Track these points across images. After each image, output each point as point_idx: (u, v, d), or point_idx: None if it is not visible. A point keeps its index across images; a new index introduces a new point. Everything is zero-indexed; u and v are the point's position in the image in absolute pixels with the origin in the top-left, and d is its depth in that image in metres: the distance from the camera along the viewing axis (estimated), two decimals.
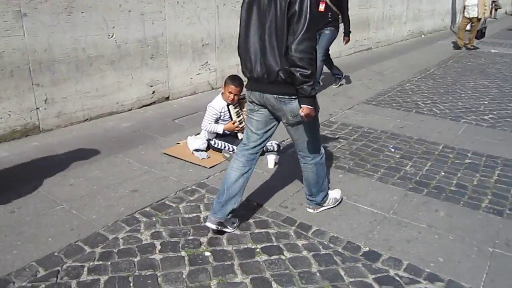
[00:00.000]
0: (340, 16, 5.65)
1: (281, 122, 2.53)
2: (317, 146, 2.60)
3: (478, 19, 10.15)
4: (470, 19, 10.23)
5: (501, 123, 4.91)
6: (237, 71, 6.50)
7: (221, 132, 3.70)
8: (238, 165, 2.57)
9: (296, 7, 2.09)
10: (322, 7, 5.37)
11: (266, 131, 2.54)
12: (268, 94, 2.36)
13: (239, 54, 2.45)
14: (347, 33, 5.78)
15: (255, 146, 2.57)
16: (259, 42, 2.26)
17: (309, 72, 2.14)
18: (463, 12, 10.28)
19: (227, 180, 2.55)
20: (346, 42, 5.84)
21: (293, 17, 2.11)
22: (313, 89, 2.19)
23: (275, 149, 3.86)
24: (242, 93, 3.81)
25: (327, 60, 6.05)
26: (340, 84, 6.36)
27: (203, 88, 5.97)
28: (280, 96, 2.33)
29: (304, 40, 2.10)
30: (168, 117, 4.76)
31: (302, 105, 2.25)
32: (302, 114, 2.27)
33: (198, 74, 5.84)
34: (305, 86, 2.18)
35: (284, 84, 2.27)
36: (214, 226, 2.53)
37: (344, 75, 6.40)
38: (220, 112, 3.73)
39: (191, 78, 5.76)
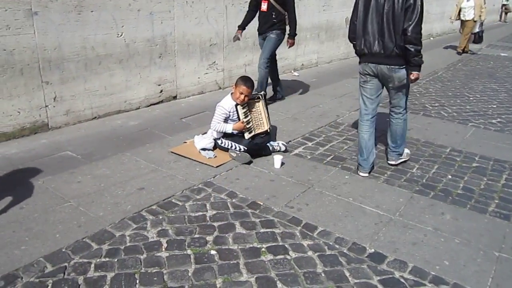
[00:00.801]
0: (286, 17, 5.05)
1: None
2: (407, 105, 3.53)
3: (474, 21, 9.66)
4: (465, 22, 9.70)
5: (510, 127, 4.88)
6: (244, 71, 6.55)
7: (230, 131, 3.72)
8: (366, 128, 3.53)
9: (411, 1, 3.01)
10: (264, 7, 4.99)
11: (377, 96, 3.45)
12: (382, 65, 3.25)
13: (352, 38, 3.37)
14: (291, 35, 5.08)
15: (373, 109, 3.50)
16: (377, 26, 3.17)
17: (419, 48, 3.06)
18: (459, 14, 9.73)
19: (362, 141, 3.53)
20: (290, 45, 5.12)
21: (408, 8, 3.01)
22: (420, 59, 3.12)
23: (282, 149, 3.88)
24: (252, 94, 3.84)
25: (273, 68, 5.30)
26: (276, 100, 5.46)
27: (211, 87, 5.99)
28: (392, 66, 3.22)
29: (417, 24, 3.01)
30: (176, 116, 4.78)
31: (413, 72, 3.16)
32: (412, 78, 3.19)
33: (206, 73, 5.86)
34: (416, 58, 3.09)
35: (396, 57, 3.17)
36: (366, 174, 3.54)
37: (283, 95, 5.57)
38: (229, 112, 3.74)
39: (199, 78, 5.79)
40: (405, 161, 3.78)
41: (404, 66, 3.20)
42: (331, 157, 3.86)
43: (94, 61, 4.47)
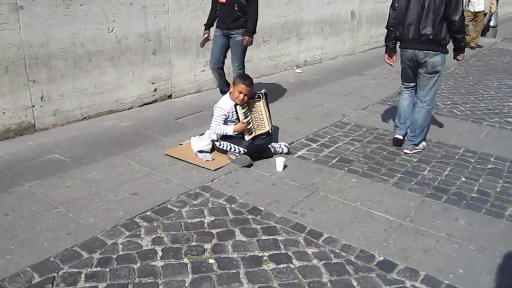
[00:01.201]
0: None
1: None
2: (435, 97, 3.96)
3: (484, 14, 9.57)
4: (475, 14, 9.58)
5: None
6: (245, 68, 6.54)
7: (231, 133, 3.72)
8: (406, 95, 4.14)
9: None
10: None
11: (415, 74, 3.99)
12: (418, 50, 3.78)
13: (391, 23, 3.92)
14: (249, 31, 4.59)
15: (414, 82, 4.05)
16: (417, 15, 3.71)
17: (463, 35, 3.74)
18: (467, 5, 9.58)
19: (402, 106, 4.17)
20: (247, 43, 4.64)
21: (452, 1, 3.57)
22: (465, 43, 3.85)
23: (285, 151, 3.88)
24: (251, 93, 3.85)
25: (222, 74, 4.86)
26: None
27: (208, 86, 5.99)
28: (427, 51, 3.75)
29: (461, 15, 3.61)
30: (171, 116, 4.79)
31: (460, 54, 3.83)
32: (460, 58, 3.85)
33: (203, 71, 5.87)
34: (462, 44, 3.76)
35: (432, 43, 3.71)
36: (401, 137, 4.19)
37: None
38: (228, 113, 3.75)
39: (195, 75, 5.79)
40: (419, 152, 4.09)
41: (438, 53, 3.72)
42: (337, 159, 3.87)
43: (83, 58, 4.48)
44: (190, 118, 4.79)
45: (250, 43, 4.69)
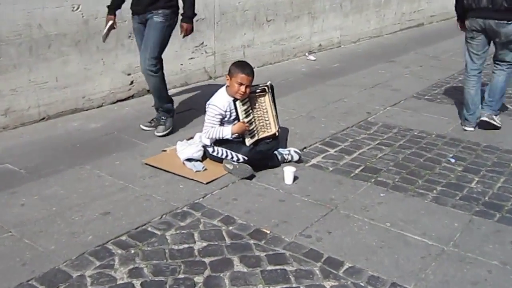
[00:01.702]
0: None
1: None
2: None
3: None
4: None
5: None
6: (243, 54, 6.60)
7: (229, 137, 3.74)
8: (473, 83, 4.64)
9: None
10: None
11: (484, 52, 4.55)
12: (490, 20, 4.27)
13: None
14: (187, 16, 4.21)
15: (480, 64, 4.61)
16: None
17: None
18: None
19: (469, 96, 4.67)
20: (185, 33, 4.28)
21: None
22: None
23: (295, 159, 3.88)
24: (254, 85, 3.85)
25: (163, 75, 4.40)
26: (162, 126, 4.39)
27: (198, 77, 6.01)
28: (500, 21, 4.23)
29: None
30: (152, 116, 4.79)
31: None
32: None
33: (191, 58, 5.89)
34: None
35: (504, 12, 4.18)
36: (472, 129, 4.66)
37: (173, 112, 4.52)
38: (225, 111, 3.76)
39: (182, 64, 5.82)
40: (495, 127, 4.63)
41: (511, 22, 4.18)
42: (361, 168, 3.87)
43: (42, 43, 4.50)
44: (176, 118, 4.80)
45: (188, 31, 4.27)
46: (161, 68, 4.32)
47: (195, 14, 4.28)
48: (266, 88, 3.93)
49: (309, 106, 5.25)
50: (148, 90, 5.44)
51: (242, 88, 3.68)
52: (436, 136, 4.55)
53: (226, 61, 6.20)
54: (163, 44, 4.23)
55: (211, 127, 3.74)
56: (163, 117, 4.42)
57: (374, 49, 8.19)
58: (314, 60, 7.36)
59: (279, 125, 4.04)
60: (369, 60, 7.36)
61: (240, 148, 3.73)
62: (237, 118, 3.76)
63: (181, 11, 4.27)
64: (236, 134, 3.75)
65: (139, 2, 4.19)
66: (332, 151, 4.18)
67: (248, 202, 3.31)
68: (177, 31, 4.32)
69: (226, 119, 3.78)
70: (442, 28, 10.09)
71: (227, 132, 3.72)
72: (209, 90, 4.41)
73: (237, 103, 3.72)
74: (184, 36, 4.35)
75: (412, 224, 3.12)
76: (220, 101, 3.75)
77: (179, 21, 4.31)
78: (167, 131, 4.35)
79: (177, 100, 5.31)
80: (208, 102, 3.81)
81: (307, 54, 7.56)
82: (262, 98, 3.94)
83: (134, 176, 3.60)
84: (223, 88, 3.84)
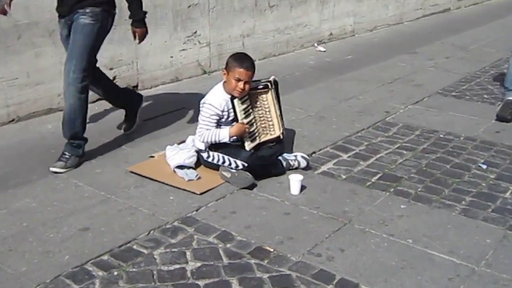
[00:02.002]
0: None
1: None
2: None
3: None
4: None
5: None
6: (242, 45, 6.60)
7: (226, 140, 3.73)
8: None
9: None
10: None
11: None
12: None
13: None
14: (138, 20, 4.01)
15: None
16: None
17: None
18: None
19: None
20: (140, 38, 4.10)
21: None
22: None
23: (302, 165, 3.88)
24: (255, 80, 3.85)
25: (99, 80, 4.21)
26: (62, 162, 3.83)
27: (191, 71, 6.02)
28: None
29: None
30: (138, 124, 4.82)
31: None
32: None
33: (183, 50, 5.91)
34: None
35: None
36: None
37: (83, 152, 3.97)
38: (222, 111, 3.76)
39: (172, 57, 5.83)
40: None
41: None
42: (378, 176, 3.87)
43: (10, 34, 4.51)
44: (165, 118, 4.81)
45: (143, 35, 4.08)
46: (88, 86, 3.87)
47: (146, 14, 4.03)
48: (268, 84, 3.92)
49: (318, 104, 5.25)
50: (134, 86, 5.47)
51: (241, 85, 3.68)
52: (465, 139, 4.54)
53: (222, 53, 6.21)
54: (92, 52, 3.84)
55: (206, 129, 3.73)
56: (67, 153, 3.84)
57: (393, 39, 8.20)
58: (324, 51, 7.37)
59: (284, 127, 4.03)
60: (387, 51, 7.36)
61: (239, 153, 3.73)
62: (235, 119, 3.76)
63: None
64: (235, 137, 3.76)
65: (64, 2, 3.82)
66: (345, 156, 4.18)
67: (249, 216, 3.31)
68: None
69: (223, 119, 3.78)
70: (471, 14, 10.09)
71: (224, 134, 3.72)
72: (203, 87, 4.44)
73: (235, 101, 3.72)
74: (139, 42, 4.15)
75: (438, 241, 3.11)
76: (216, 99, 3.75)
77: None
78: (63, 170, 3.78)
79: (166, 99, 5.32)
80: (202, 101, 3.81)
81: (316, 44, 7.57)
82: (264, 96, 3.93)
83: (117, 186, 3.60)
84: (220, 84, 3.83)
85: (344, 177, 3.84)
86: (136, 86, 5.50)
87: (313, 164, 3.99)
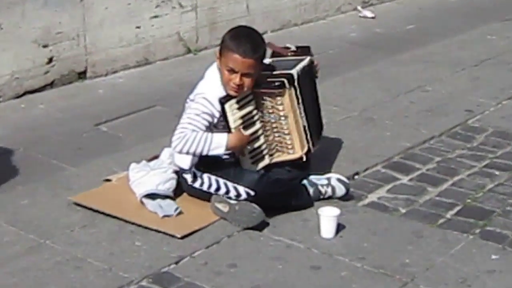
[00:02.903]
0: None
1: None
2: None
3: None
4: None
5: None
6: (246, 9, 6.59)
7: (221, 152, 3.74)
8: None
9: None
10: None
11: None
12: None
13: None
14: None
15: None
16: None
17: None
18: None
19: None
20: None
21: None
22: None
23: (339, 193, 3.87)
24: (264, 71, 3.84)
25: None
26: None
27: (167, 50, 6.08)
28: None
29: None
30: (85, 119, 4.85)
31: None
32: None
33: (155, 17, 5.95)
34: None
35: None
36: None
37: None
38: (219, 110, 3.73)
39: (139, 28, 5.87)
40: None
41: None
42: (457, 210, 3.88)
43: None
44: (128, 122, 4.85)
45: None
46: None
47: None
48: (285, 81, 3.89)
49: (364, 99, 5.29)
50: (81, 73, 5.49)
51: (235, 78, 3.66)
52: None
53: (216, 22, 6.25)
54: None
55: (191, 129, 3.71)
56: None
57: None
58: (373, 18, 7.39)
59: (313, 142, 4.02)
60: (469, 18, 7.37)
61: (242, 175, 3.73)
62: (228, 132, 3.74)
63: None
64: (234, 150, 3.77)
65: None
66: (405, 179, 4.19)
67: (257, 271, 3.31)
68: None
69: (215, 122, 3.78)
70: None
71: (219, 142, 3.69)
72: (187, 73, 4.45)
73: (227, 107, 3.70)
74: None
75: None
76: (214, 93, 3.73)
77: None
78: None
79: (130, 91, 5.35)
80: (194, 92, 3.81)
81: (359, 8, 7.60)
82: (279, 99, 3.91)
83: (55, 226, 3.60)
84: (215, 67, 3.85)
85: (403, 211, 3.84)
86: (84, 73, 5.54)
87: (356, 191, 4.00)
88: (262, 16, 6.34)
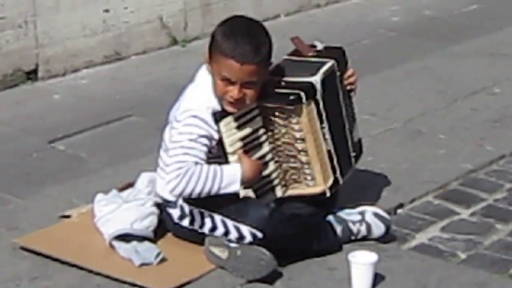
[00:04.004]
0: None
1: None
2: None
3: None
4: None
5: None
6: None
7: (237, 189, 3.69)
8: None
9: None
10: None
11: None
12: None
13: None
14: None
15: None
16: None
17: None
18: None
19: None
20: None
21: None
22: None
23: (376, 233, 3.87)
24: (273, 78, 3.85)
25: None
26: None
27: (146, 40, 6.12)
28: None
29: None
30: (36, 133, 4.87)
31: None
32: None
33: None
34: None
35: None
36: None
37: None
38: (217, 130, 3.70)
39: (107, 11, 5.91)
40: None
41: None
42: None
43: None
44: (93, 137, 4.87)
45: None
46: None
47: None
48: (301, 94, 3.87)
49: (409, 104, 5.31)
50: (31, 72, 5.51)
51: (233, 90, 3.66)
52: None
53: (211, 3, 6.26)
54: None
55: (193, 162, 3.69)
56: None
57: None
58: None
59: (342, 171, 4.02)
60: None
61: (246, 210, 3.73)
62: (225, 158, 3.73)
63: None
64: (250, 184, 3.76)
65: None
66: (465, 213, 4.20)
67: None
68: None
69: (212, 146, 3.76)
70: None
71: (232, 174, 3.73)
72: (173, 72, 4.45)
73: (222, 124, 3.71)
74: None
75: None
76: (206, 110, 3.73)
77: None
78: None
79: (95, 97, 5.37)
80: (183, 108, 3.78)
81: None
82: (294, 117, 3.91)
83: None
84: (205, 81, 3.84)
85: (463, 256, 3.84)
86: (34, 72, 5.56)
87: (399, 230, 4.01)
88: (267, 6, 6.38)
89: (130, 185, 4.01)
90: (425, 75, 5.73)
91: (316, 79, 3.86)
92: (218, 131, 3.67)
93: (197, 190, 3.62)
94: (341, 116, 4.04)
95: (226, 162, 3.71)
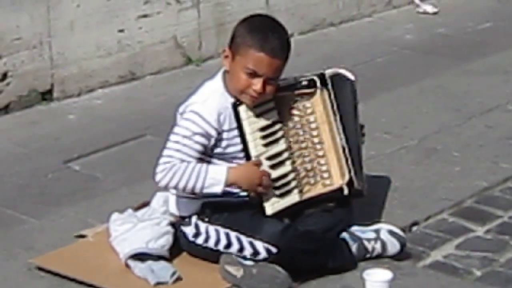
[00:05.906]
0: None
1: None
2: None
3: None
4: None
5: None
6: (265, 3, 6.70)
7: (219, 191, 3.69)
8: None
9: None
10: None
11: None
12: None
13: None
14: None
15: None
16: None
17: None
18: None
19: None
20: None
21: None
22: None
23: (391, 251, 3.86)
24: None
25: None
26: None
27: (160, 60, 6.15)
28: None
29: None
30: (51, 154, 4.89)
31: None
32: None
33: (144, 16, 6.01)
34: None
35: None
36: None
37: None
38: (217, 128, 3.75)
39: (122, 31, 5.94)
40: None
41: None
42: None
43: None
44: (108, 157, 4.90)
45: None
46: None
47: None
48: (316, 79, 3.91)
49: (424, 123, 5.31)
50: (46, 93, 5.52)
51: (257, 84, 3.68)
52: None
53: (225, 23, 6.30)
54: None
55: (180, 160, 3.74)
56: None
57: None
58: (435, 13, 7.42)
59: (356, 172, 4.03)
60: None
61: (260, 225, 3.74)
62: (244, 149, 3.78)
63: None
64: (232, 189, 3.78)
65: None
66: (480, 230, 4.20)
67: None
68: None
69: (216, 148, 3.81)
70: None
71: (215, 177, 3.71)
72: (187, 92, 4.44)
73: (242, 110, 3.73)
74: None
75: None
76: (209, 105, 3.77)
77: None
78: None
79: (111, 117, 5.38)
80: (183, 106, 3.84)
81: (417, 0, 7.62)
82: (309, 104, 3.92)
83: None
84: (218, 76, 3.89)
85: (478, 273, 3.83)
86: (49, 93, 5.58)
87: (415, 247, 4.01)
88: (286, 14, 6.37)
89: (145, 204, 4.03)
90: (439, 93, 5.73)
91: (325, 73, 3.95)
92: (237, 118, 3.70)
93: (181, 186, 3.71)
94: (354, 121, 4.06)
95: (246, 152, 3.76)
